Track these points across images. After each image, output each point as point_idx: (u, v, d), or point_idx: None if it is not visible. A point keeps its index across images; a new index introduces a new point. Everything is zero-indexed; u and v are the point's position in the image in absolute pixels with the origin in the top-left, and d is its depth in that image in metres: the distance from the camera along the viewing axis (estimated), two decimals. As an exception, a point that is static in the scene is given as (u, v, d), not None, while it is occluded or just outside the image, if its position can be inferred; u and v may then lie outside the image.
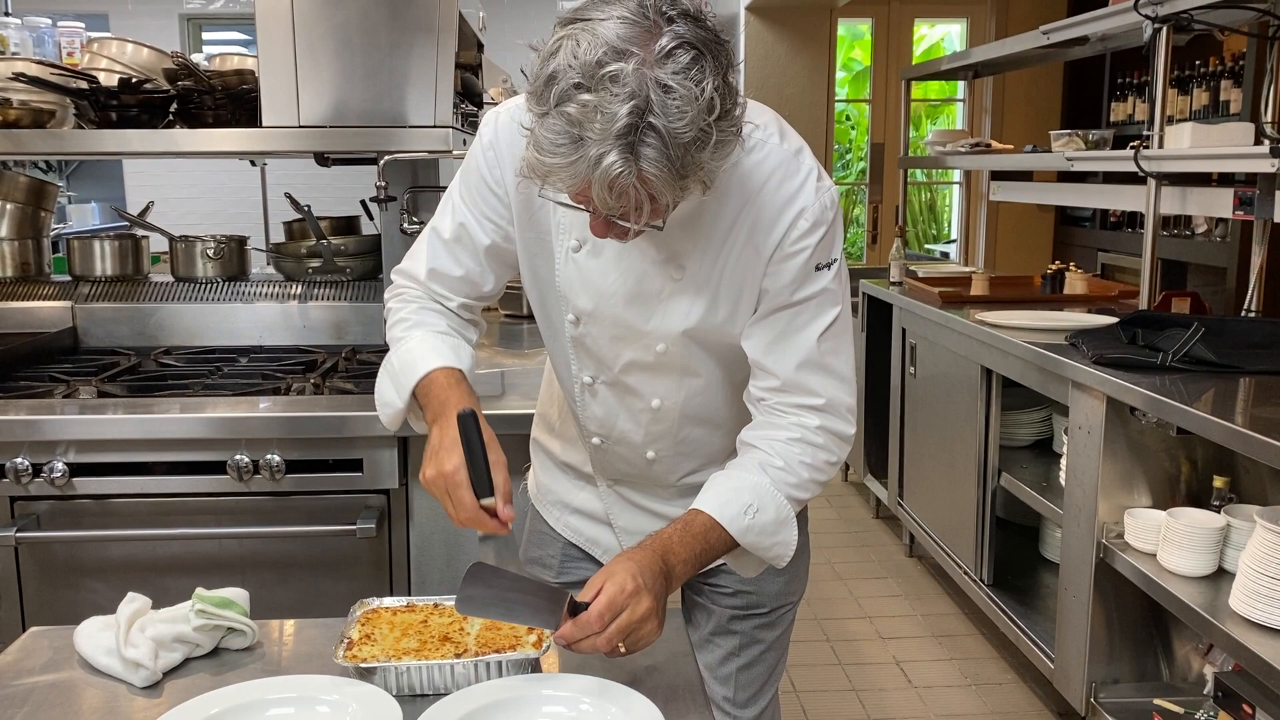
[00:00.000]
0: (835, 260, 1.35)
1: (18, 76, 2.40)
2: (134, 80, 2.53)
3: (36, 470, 2.05)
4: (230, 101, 2.58)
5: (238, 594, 1.31)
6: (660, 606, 1.19)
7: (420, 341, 1.40)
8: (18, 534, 2.06)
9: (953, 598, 3.75)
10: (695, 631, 1.61)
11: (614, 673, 1.22)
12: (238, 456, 2.09)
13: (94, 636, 1.24)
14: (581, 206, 1.17)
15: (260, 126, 2.47)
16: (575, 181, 1.09)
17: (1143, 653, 2.64)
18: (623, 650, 1.17)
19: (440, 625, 1.26)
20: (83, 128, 2.56)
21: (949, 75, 5.04)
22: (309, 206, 2.86)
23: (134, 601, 1.28)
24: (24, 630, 2.04)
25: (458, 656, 1.19)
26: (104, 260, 2.89)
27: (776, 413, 1.37)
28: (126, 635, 1.21)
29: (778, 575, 1.56)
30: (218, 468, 2.10)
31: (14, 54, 2.89)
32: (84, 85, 2.50)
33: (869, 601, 3.74)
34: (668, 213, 1.16)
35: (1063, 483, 2.78)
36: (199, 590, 1.28)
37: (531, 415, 1.73)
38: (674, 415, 1.45)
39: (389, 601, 1.33)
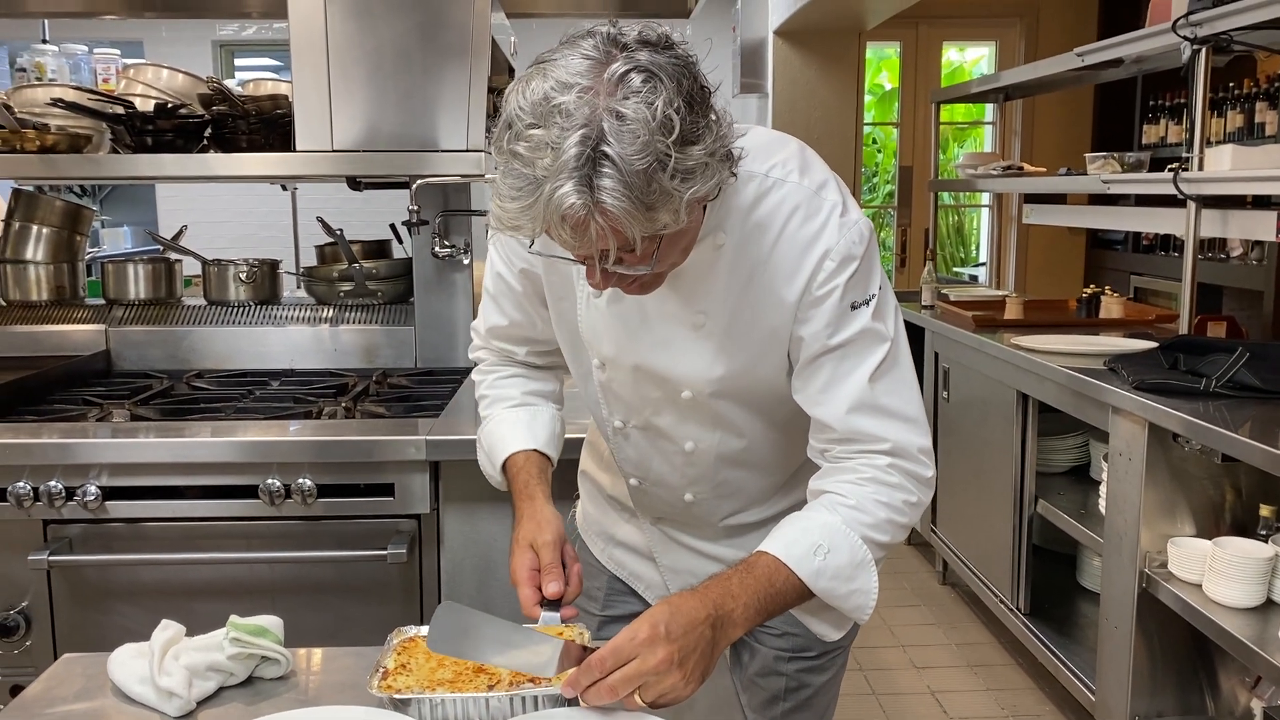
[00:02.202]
0: (873, 295, 1.27)
1: (55, 102, 2.42)
2: (169, 105, 2.55)
3: (70, 493, 2.05)
4: (264, 126, 2.60)
5: (272, 622, 1.29)
6: (691, 659, 1.10)
7: (499, 423, 1.50)
8: (50, 557, 2.05)
9: (988, 626, 3.69)
10: (741, 672, 1.56)
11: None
12: (269, 480, 2.08)
13: (127, 664, 1.22)
14: (568, 256, 1.14)
15: (294, 151, 2.48)
16: (536, 224, 1.04)
17: (1187, 685, 2.57)
18: (640, 701, 1.10)
19: (476, 656, 1.24)
20: (119, 153, 2.58)
21: (979, 98, 5.02)
22: (341, 230, 2.87)
23: (168, 629, 1.26)
24: (56, 654, 2.05)
25: (491, 689, 1.16)
26: (137, 284, 2.90)
27: (842, 461, 1.29)
28: (160, 663, 1.19)
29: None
30: (249, 491, 2.09)
31: (51, 80, 2.93)
32: (120, 110, 2.51)
33: (902, 630, 3.68)
34: (655, 255, 1.11)
35: (1102, 510, 2.72)
36: (233, 618, 1.26)
37: (581, 440, 1.71)
38: (709, 459, 1.40)
39: (425, 630, 1.31)
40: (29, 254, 2.85)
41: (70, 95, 2.50)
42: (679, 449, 1.40)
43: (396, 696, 1.14)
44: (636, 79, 1.02)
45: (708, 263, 1.26)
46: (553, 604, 1.27)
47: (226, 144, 2.61)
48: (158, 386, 2.61)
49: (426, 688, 1.16)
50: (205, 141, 2.62)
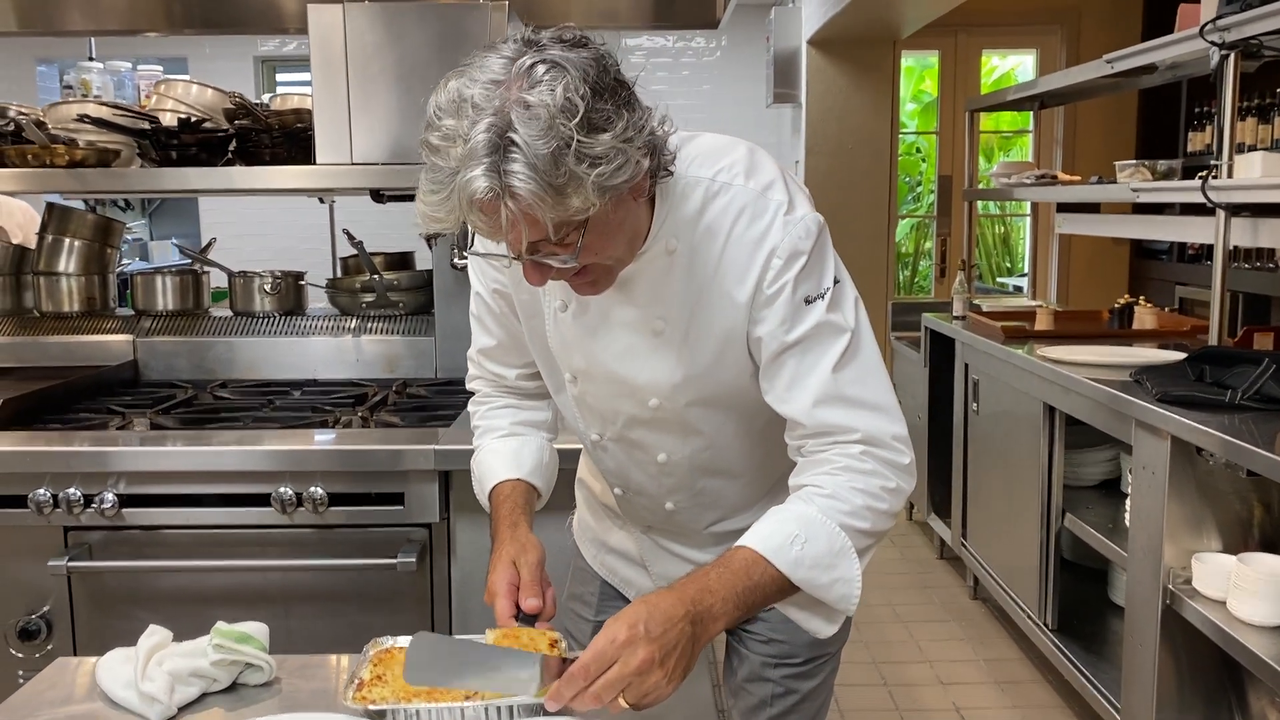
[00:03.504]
0: (827, 289, 1.27)
1: (82, 118, 2.48)
2: (193, 120, 2.59)
3: (88, 501, 2.09)
4: (287, 140, 2.64)
5: (257, 629, 1.31)
6: (673, 657, 1.11)
7: (488, 453, 1.53)
8: (69, 563, 2.09)
9: (1017, 643, 3.63)
10: (730, 678, 1.56)
11: (629, 715, 1.18)
12: (281, 489, 2.10)
13: (115, 669, 1.24)
14: (504, 254, 1.17)
15: (314, 164, 2.51)
16: (453, 215, 1.07)
17: (1215, 704, 2.50)
18: (625, 704, 1.10)
19: (454, 666, 1.24)
20: (145, 167, 2.64)
21: (1015, 106, 4.95)
22: (361, 242, 2.90)
23: (154, 635, 1.28)
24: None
25: (467, 699, 1.16)
26: (165, 295, 2.96)
27: (815, 454, 1.29)
28: (144, 669, 1.21)
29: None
30: (263, 500, 2.12)
31: (96, 96, 3.00)
32: (145, 125, 2.57)
33: (930, 645, 3.63)
34: (580, 244, 1.13)
35: (1128, 525, 2.67)
36: (219, 625, 1.28)
37: (578, 450, 1.71)
38: (683, 469, 1.42)
39: (403, 641, 1.31)
40: (61, 266, 2.92)
41: (97, 111, 2.56)
42: (652, 460, 1.41)
43: (371, 708, 1.15)
44: (541, 69, 1.05)
45: (662, 268, 1.28)
46: (528, 620, 1.28)
47: (250, 158, 2.65)
48: (181, 396, 2.65)
49: (402, 698, 1.17)
50: (230, 155, 2.67)
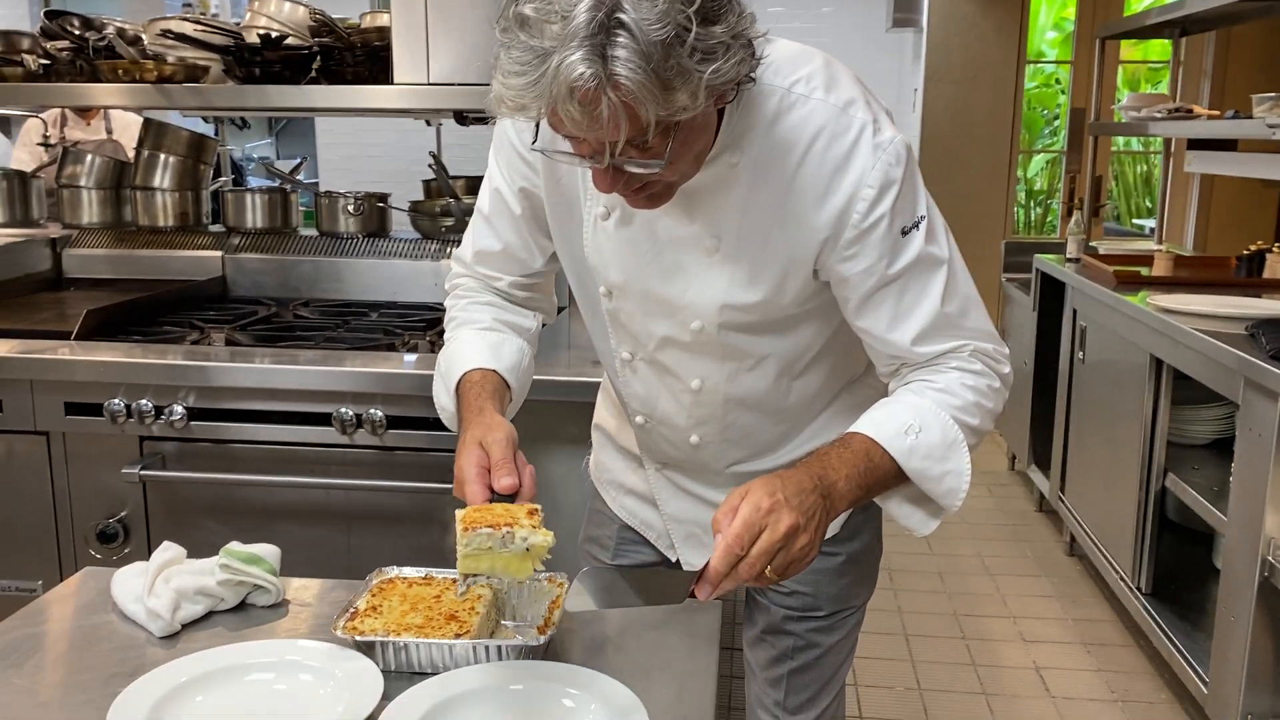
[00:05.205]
0: (922, 217, 1.19)
1: (164, 33, 2.50)
2: (275, 36, 2.59)
3: (159, 412, 2.15)
4: (369, 58, 2.62)
5: (268, 551, 1.31)
6: (814, 525, 1.08)
7: (461, 343, 1.38)
8: (142, 471, 2.16)
9: (1110, 604, 3.46)
10: (750, 629, 1.51)
11: (624, 665, 1.15)
12: (342, 410, 2.12)
13: (128, 583, 1.27)
14: (573, 153, 1.06)
15: (391, 84, 2.49)
16: (542, 102, 0.96)
17: (1312, 686, 2.34)
18: (771, 576, 1.07)
19: (451, 603, 1.22)
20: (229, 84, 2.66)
21: (1154, 33, 4.60)
22: (441, 164, 2.88)
23: (167, 551, 1.30)
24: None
25: (457, 637, 1.14)
26: (254, 213, 3.01)
27: (919, 368, 1.25)
28: (151, 584, 1.23)
29: (838, 577, 1.44)
30: (325, 420, 2.14)
31: (214, 14, 3.03)
32: (228, 42, 2.58)
33: (1017, 600, 3.50)
34: (668, 151, 1.03)
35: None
36: (230, 545, 1.29)
37: (597, 384, 1.66)
38: (718, 399, 1.33)
39: (408, 571, 1.30)
40: (156, 181, 2.99)
41: (180, 27, 2.58)
42: (686, 387, 1.33)
43: (359, 639, 1.14)
44: None
45: (722, 182, 1.18)
46: (505, 501, 1.15)
47: (334, 76, 2.64)
48: (264, 313, 2.70)
49: (393, 632, 1.15)
50: (315, 74, 2.66)
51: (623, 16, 0.92)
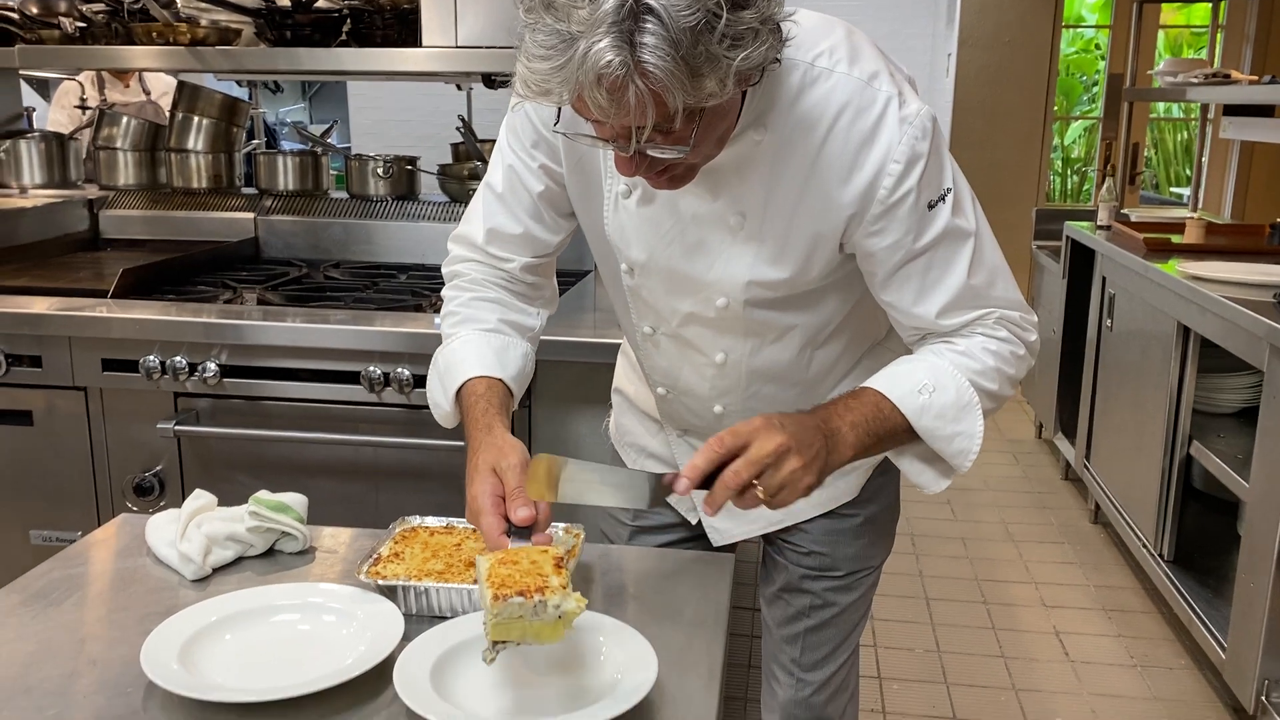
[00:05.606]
0: (948, 189, 1.18)
1: (196, -4, 2.53)
2: (305, 0, 2.62)
3: (193, 369, 2.21)
4: (398, 22, 2.64)
5: (296, 499, 1.35)
6: (810, 454, 1.08)
7: (464, 343, 1.34)
8: (176, 427, 2.22)
9: (1133, 571, 3.47)
10: (767, 587, 1.54)
11: (641, 617, 1.18)
12: (370, 369, 2.17)
13: (161, 529, 1.32)
14: (596, 136, 1.05)
15: (420, 47, 2.51)
16: (567, 87, 0.94)
17: (1330, 655, 2.35)
18: (762, 496, 1.07)
19: (472, 550, 1.26)
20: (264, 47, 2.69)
21: (1193, -3, 4.52)
22: (470, 128, 2.90)
23: (199, 499, 1.35)
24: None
25: (475, 583, 1.18)
26: (286, 175, 3.05)
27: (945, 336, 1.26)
28: (184, 530, 1.28)
29: (855, 539, 1.46)
30: (354, 378, 2.19)
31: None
32: (260, 5, 2.61)
33: (1039, 567, 3.52)
34: (693, 135, 1.02)
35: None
36: (260, 494, 1.33)
37: (617, 345, 1.69)
38: (741, 371, 1.34)
39: (430, 521, 1.34)
40: (190, 143, 3.04)
41: (210, -11, 2.61)
42: (709, 361, 1.34)
43: (381, 583, 1.18)
44: None
45: (746, 159, 1.18)
46: (522, 533, 1.11)
47: (364, 39, 2.66)
48: (295, 274, 2.75)
49: (414, 577, 1.19)
50: (345, 37, 2.69)
51: (651, 2, 0.90)
